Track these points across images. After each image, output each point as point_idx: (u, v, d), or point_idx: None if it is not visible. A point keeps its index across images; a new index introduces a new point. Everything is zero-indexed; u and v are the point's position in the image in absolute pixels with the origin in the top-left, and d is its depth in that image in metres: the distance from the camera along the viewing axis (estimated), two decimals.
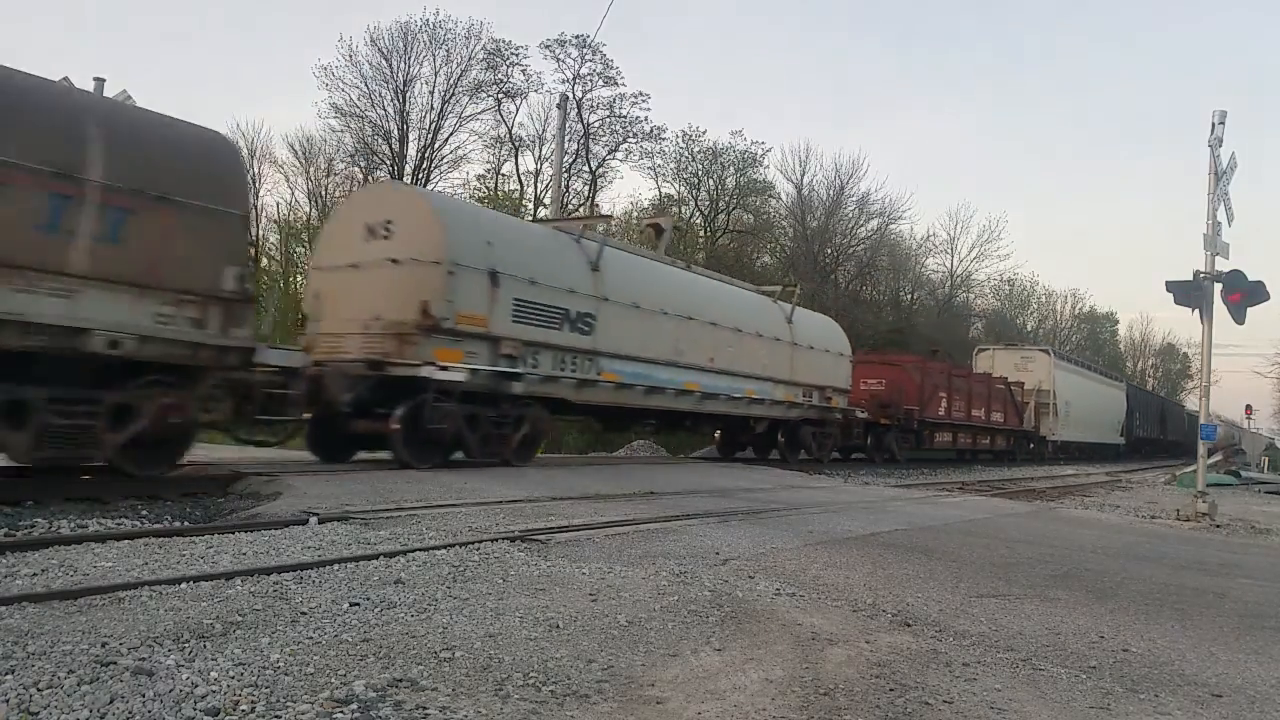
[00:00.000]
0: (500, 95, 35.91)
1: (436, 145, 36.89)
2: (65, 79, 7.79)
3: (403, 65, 36.22)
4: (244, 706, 2.59)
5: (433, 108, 36.43)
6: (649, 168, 38.07)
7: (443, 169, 37.35)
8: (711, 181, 39.24)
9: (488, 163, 38.20)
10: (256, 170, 36.95)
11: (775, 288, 18.11)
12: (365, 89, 36.49)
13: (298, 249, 30.58)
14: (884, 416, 20.70)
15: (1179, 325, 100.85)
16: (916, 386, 21.75)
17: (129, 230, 6.99)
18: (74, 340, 6.71)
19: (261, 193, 31.63)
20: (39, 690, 2.59)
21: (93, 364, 6.91)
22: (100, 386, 7.00)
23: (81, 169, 6.73)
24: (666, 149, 38.34)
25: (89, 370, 6.93)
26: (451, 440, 10.17)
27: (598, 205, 34.86)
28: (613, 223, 20.47)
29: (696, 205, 38.72)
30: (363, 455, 10.76)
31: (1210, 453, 16.24)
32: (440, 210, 10.77)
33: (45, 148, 6.58)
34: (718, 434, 18.01)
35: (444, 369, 9.65)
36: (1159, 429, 44.02)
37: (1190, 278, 12.01)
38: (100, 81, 11.13)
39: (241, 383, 7.95)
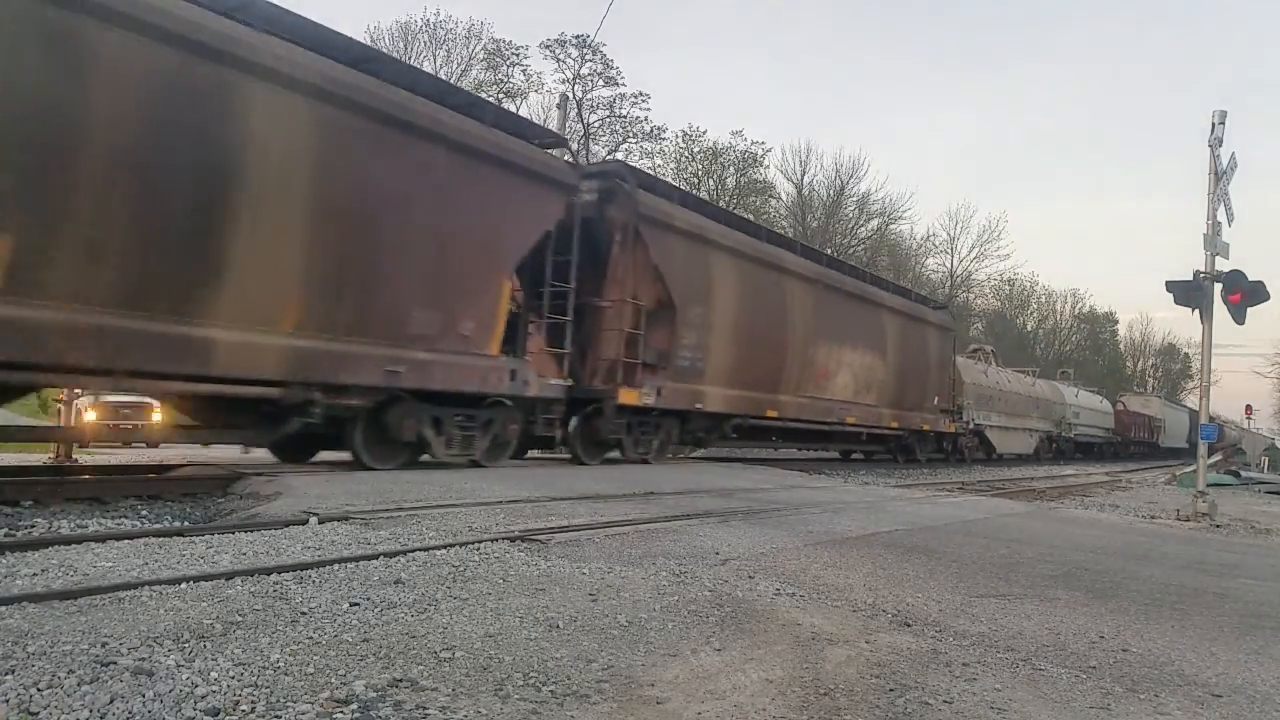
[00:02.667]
0: (500, 95, 35.95)
1: None
2: None
3: None
4: (244, 706, 2.59)
5: None
6: (649, 168, 38.11)
7: None
8: (711, 181, 39.24)
9: None
10: None
11: None
12: None
13: None
14: (1119, 435, 43.25)
15: (1179, 325, 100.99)
16: (1127, 423, 44.54)
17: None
18: None
19: None
20: (39, 690, 2.59)
21: None
22: None
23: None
24: (666, 149, 38.35)
25: None
26: None
27: None
28: None
29: None
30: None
31: (1210, 452, 16.24)
32: None
33: None
34: None
35: None
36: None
37: (1190, 278, 12.02)
38: None
39: None
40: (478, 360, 9.99)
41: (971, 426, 24.34)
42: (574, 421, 12.18)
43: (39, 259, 6.30)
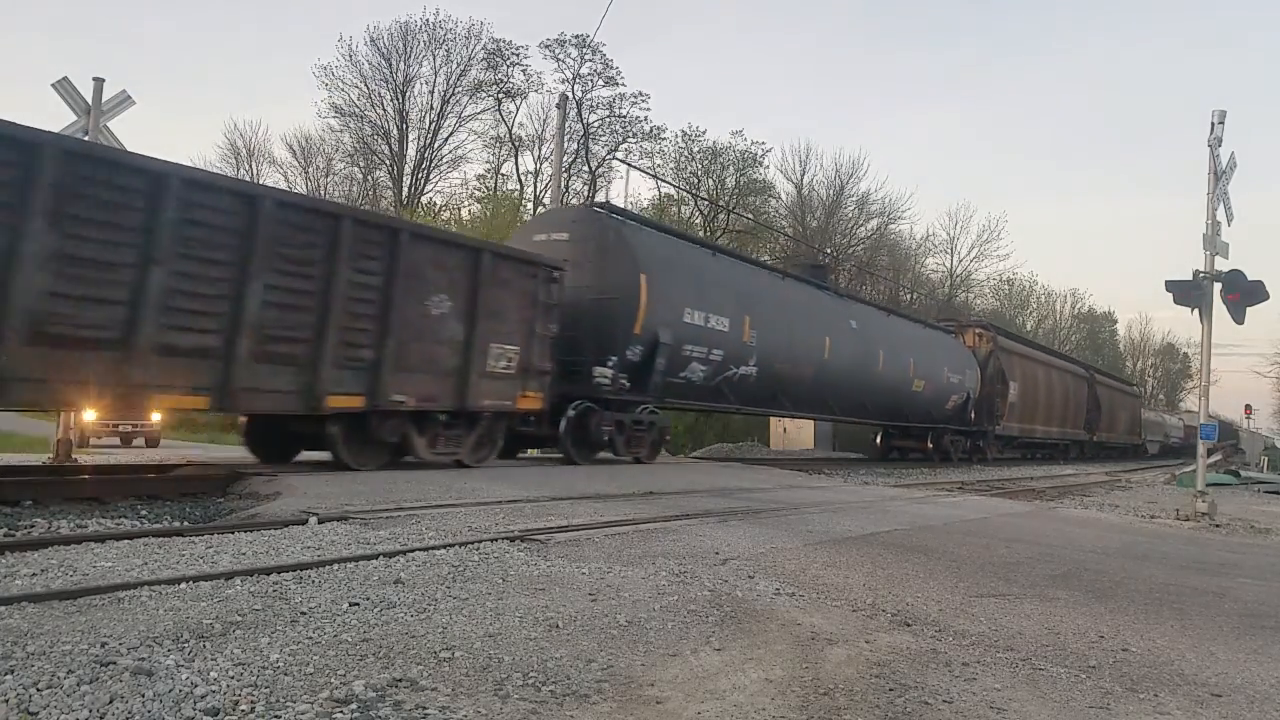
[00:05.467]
0: (500, 95, 35.95)
1: (436, 145, 36.81)
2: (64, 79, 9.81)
3: (402, 65, 36.17)
4: (244, 706, 2.59)
5: (432, 107, 36.33)
6: (647, 168, 38.09)
7: (442, 168, 37.24)
8: (711, 181, 39.23)
9: (487, 162, 38.16)
10: (254, 170, 36.90)
11: None
12: (365, 89, 36.39)
13: None
14: (1189, 440, 54.48)
15: (1179, 325, 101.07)
16: (1190, 432, 53.98)
17: None
18: None
19: None
20: (39, 690, 2.59)
21: None
22: None
23: None
24: (666, 149, 38.33)
25: None
26: None
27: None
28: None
29: (696, 205, 38.72)
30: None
31: (1209, 452, 16.23)
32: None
33: None
34: None
35: None
36: (1229, 439, 71.51)
37: (1190, 277, 12.01)
38: (99, 82, 11.13)
39: None
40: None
41: (1146, 439, 47.47)
42: None
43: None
